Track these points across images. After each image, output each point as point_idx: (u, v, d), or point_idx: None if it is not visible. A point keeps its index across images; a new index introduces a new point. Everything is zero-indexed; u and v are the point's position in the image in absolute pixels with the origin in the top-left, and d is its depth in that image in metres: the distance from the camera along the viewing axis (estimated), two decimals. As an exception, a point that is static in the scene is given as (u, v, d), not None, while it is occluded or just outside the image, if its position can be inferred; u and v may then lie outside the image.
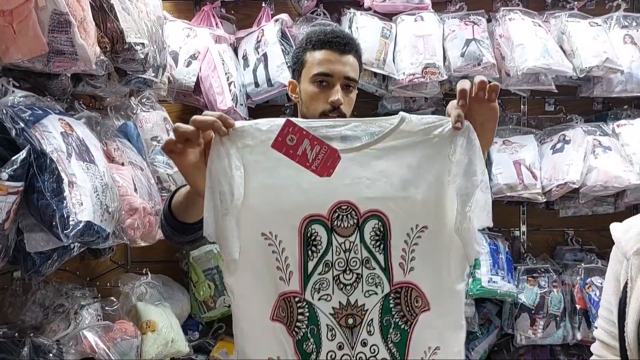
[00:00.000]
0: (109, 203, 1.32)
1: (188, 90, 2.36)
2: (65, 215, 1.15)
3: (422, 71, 2.32)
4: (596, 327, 1.28)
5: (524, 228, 2.72)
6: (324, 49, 1.39)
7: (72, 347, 1.69)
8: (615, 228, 1.25)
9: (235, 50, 2.53)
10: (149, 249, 2.67)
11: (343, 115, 1.39)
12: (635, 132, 2.39)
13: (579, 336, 2.40)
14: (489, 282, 2.38)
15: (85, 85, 1.69)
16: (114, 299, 2.00)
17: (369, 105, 2.65)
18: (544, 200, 2.42)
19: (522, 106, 2.69)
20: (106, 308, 1.94)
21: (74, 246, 1.36)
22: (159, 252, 2.75)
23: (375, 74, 2.40)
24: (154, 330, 2.19)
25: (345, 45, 1.40)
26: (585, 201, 2.41)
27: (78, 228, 1.18)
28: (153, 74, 1.80)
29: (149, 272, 2.46)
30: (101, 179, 1.31)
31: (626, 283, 1.15)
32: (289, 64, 1.51)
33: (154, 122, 1.89)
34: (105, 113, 1.89)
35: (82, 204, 1.19)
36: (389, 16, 2.51)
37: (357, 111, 2.60)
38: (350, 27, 2.41)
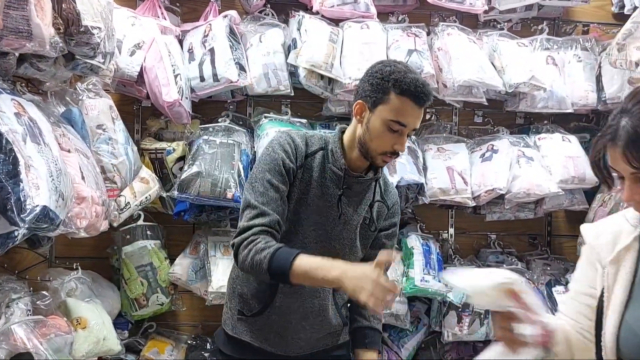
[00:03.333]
0: (63, 189, 1.26)
1: (131, 80, 2.28)
2: (22, 199, 1.09)
3: (367, 77, 2.40)
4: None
5: (452, 231, 2.88)
6: (410, 99, 1.40)
7: (3, 343, 1.59)
8: (586, 231, 1.24)
9: (181, 43, 2.49)
10: (75, 244, 2.55)
11: (397, 156, 1.50)
12: (553, 145, 2.62)
13: (498, 332, 2.57)
14: (421, 281, 2.50)
15: (29, 67, 1.60)
16: (46, 293, 1.90)
17: (313, 107, 2.70)
18: (473, 204, 2.58)
19: (454, 116, 2.85)
20: (37, 302, 1.84)
21: (18, 234, 1.28)
22: (85, 248, 2.62)
23: (322, 77, 2.45)
24: (85, 327, 2.10)
25: (427, 100, 1.43)
26: (510, 207, 2.60)
27: (35, 212, 1.12)
28: (101, 60, 1.74)
29: (79, 267, 2.35)
30: (55, 164, 1.25)
31: (602, 292, 1.17)
32: (362, 87, 1.49)
33: (100, 109, 1.82)
34: (44, 98, 1.80)
35: (38, 188, 1.14)
36: (336, 22, 2.57)
37: (301, 112, 2.69)
38: (299, 29, 2.45)
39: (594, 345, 1.17)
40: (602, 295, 1.16)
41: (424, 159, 2.61)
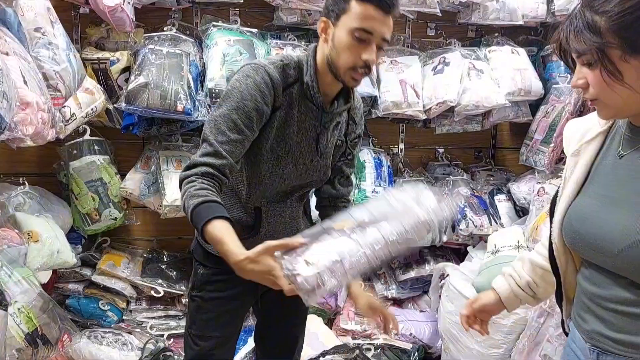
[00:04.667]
0: (7, 89, 1.19)
1: (67, -18, 2.12)
2: (-38, 98, 1.02)
3: (320, -17, 2.33)
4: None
5: (402, 145, 2.95)
6: (372, 5, 1.31)
7: (-48, 256, 1.55)
8: (566, 127, 1.24)
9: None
10: (18, 160, 2.47)
11: (369, 72, 1.39)
12: (503, 57, 2.66)
13: (445, 239, 2.72)
14: (372, 192, 2.58)
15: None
16: (-6, 206, 1.85)
17: (263, 16, 2.61)
18: (424, 117, 2.63)
19: (407, 29, 2.83)
20: (-15, 216, 1.79)
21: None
22: (30, 165, 2.54)
23: (274, -17, 2.35)
24: (37, 240, 2.08)
25: (392, 6, 1.33)
26: (459, 119, 2.67)
27: (-24, 112, 1.06)
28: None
29: (26, 182, 2.29)
30: (-6, 63, 1.17)
31: (559, 186, 1.20)
32: (325, 4, 1.37)
33: (37, 11, 1.68)
34: (-28, -3, 1.65)
35: (-21, 87, 1.07)
36: None
37: (251, 21, 2.60)
38: None
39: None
40: (558, 188, 1.19)
41: (377, 72, 2.61)
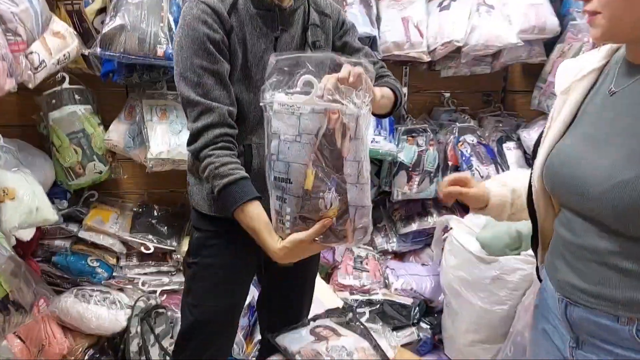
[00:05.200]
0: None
1: None
2: None
3: None
4: None
5: (405, 89, 2.75)
6: None
7: None
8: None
9: None
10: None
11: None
12: (515, -9, 2.42)
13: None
14: (372, 142, 2.42)
15: None
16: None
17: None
18: (428, 59, 2.42)
19: (411, -40, 2.57)
20: (-51, 174, 1.66)
21: None
22: (6, 116, 2.40)
23: None
24: (14, 198, 1.96)
25: None
26: (466, 61, 2.47)
27: None
28: None
29: (0, 136, 2.15)
30: None
31: (545, 126, 1.14)
32: None
33: (-14, -57, 1.50)
34: None
35: None
36: None
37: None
38: None
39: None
40: (544, 129, 1.12)
41: (377, 8, 2.39)
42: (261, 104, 1.15)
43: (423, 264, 2.65)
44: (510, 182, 1.39)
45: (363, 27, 2.24)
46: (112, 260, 2.40)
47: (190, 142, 1.28)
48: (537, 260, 1.23)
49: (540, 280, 1.21)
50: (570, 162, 1.00)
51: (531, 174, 1.13)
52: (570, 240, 1.03)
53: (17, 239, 2.12)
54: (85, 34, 2.16)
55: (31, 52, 1.76)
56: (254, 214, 1.21)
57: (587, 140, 0.99)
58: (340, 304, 2.33)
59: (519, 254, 2.12)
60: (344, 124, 1.08)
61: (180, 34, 1.27)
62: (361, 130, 1.13)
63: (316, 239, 1.14)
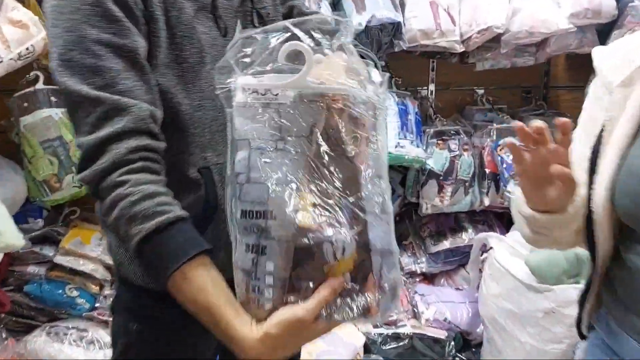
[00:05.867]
0: None
1: None
2: None
3: None
4: None
5: (432, 87, 2.41)
6: None
7: None
8: (597, 53, 0.94)
9: None
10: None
11: None
12: (566, -32, 2.06)
13: (486, 202, 2.23)
14: (396, 147, 2.07)
15: None
16: None
17: None
18: (461, 50, 2.08)
19: (439, -64, 2.22)
20: None
21: None
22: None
23: None
24: (-30, 221, 1.64)
25: None
26: (506, 51, 2.11)
27: None
28: None
29: (-43, 146, 1.84)
30: None
31: (602, 129, 0.87)
32: None
33: None
34: None
35: None
36: None
37: None
38: None
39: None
40: (602, 132, 0.87)
41: (400, -8, 2.04)
42: (217, 92, 0.72)
43: (457, 288, 2.30)
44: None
45: (385, 11, 1.91)
46: (95, 289, 2.07)
47: (84, 166, 0.77)
48: (581, 310, 0.96)
49: (583, 337, 0.97)
50: None
51: (589, 196, 0.86)
52: None
53: (-18, 266, 1.82)
54: (58, 25, 1.84)
55: (-19, 45, 1.44)
56: (205, 279, 0.73)
57: None
58: (362, 340, 1.99)
59: (578, 282, 1.78)
60: (356, 118, 0.70)
61: (57, 4, 0.77)
62: (382, 129, 0.74)
63: (323, 313, 0.69)
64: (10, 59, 1.59)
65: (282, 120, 0.68)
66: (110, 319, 1.96)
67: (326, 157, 0.68)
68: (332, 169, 0.68)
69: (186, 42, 0.85)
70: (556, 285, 1.79)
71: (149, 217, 0.73)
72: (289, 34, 0.69)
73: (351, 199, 0.69)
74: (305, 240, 0.67)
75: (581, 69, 2.34)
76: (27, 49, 1.65)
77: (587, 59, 2.24)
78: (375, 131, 0.72)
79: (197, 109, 0.87)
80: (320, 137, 0.68)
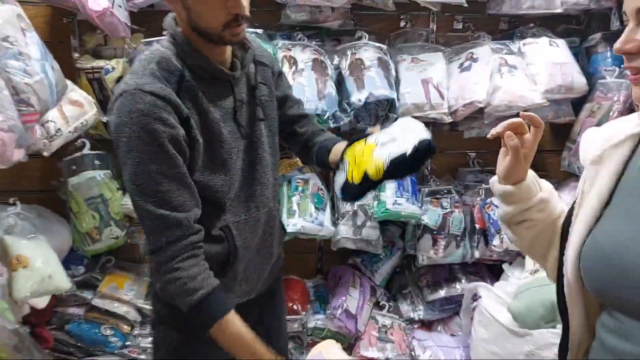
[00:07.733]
0: None
1: (54, -14, 1.97)
2: None
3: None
4: None
5: (428, 150, 2.68)
6: None
7: None
8: (584, 135, 1.00)
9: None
10: (15, 176, 2.35)
11: (249, 20, 1.16)
12: (539, 51, 2.35)
13: (477, 254, 2.45)
14: (393, 204, 2.33)
15: None
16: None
17: (271, 14, 2.40)
18: (450, 120, 2.36)
19: (431, 23, 2.56)
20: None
21: None
22: (29, 181, 2.42)
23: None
24: (26, 266, 1.94)
25: None
26: (489, 121, 2.39)
27: None
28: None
29: (18, 202, 2.15)
30: None
31: (574, 202, 0.95)
32: None
33: (5, 18, 1.53)
34: None
35: None
36: None
37: (258, 21, 2.39)
38: None
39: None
40: (574, 204, 0.94)
41: (396, 70, 2.36)
42: None
43: (452, 334, 2.48)
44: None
45: (381, 90, 2.20)
46: (126, 329, 2.33)
47: (152, 253, 1.14)
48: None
49: None
50: (616, 248, 0.81)
51: (562, 262, 0.93)
52: (630, 351, 0.80)
53: (32, 307, 2.09)
54: (106, 101, 2.19)
55: (47, 121, 1.78)
56: (239, 327, 1.16)
57: (635, 220, 0.82)
58: (362, 379, 2.18)
59: (554, 327, 1.96)
60: None
61: (128, 133, 1.06)
62: None
63: None
64: (69, 132, 1.92)
65: None
66: (141, 356, 2.22)
67: None
68: None
69: (216, 144, 1.20)
70: (534, 329, 1.99)
71: (197, 290, 1.13)
72: None
73: None
74: None
75: (562, 135, 2.58)
76: (81, 123, 1.98)
77: (567, 126, 2.50)
78: None
79: (223, 188, 1.22)
80: None
